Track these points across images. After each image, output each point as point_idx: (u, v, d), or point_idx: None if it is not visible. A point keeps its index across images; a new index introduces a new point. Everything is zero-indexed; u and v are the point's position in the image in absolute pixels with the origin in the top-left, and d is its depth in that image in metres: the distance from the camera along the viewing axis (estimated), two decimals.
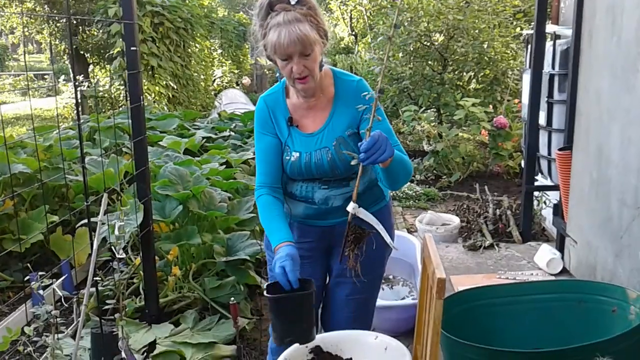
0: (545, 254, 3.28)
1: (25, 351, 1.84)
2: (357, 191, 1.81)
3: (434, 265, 1.57)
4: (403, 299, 3.53)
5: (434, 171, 6.44)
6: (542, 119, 3.91)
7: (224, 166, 4.57)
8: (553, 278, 3.13)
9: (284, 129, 2.01)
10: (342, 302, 2.09)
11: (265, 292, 1.74)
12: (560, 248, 3.32)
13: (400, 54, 7.54)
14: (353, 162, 1.75)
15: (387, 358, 1.79)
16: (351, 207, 1.81)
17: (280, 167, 2.03)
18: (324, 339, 1.91)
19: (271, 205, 1.98)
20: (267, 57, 1.91)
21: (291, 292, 1.74)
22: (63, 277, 2.95)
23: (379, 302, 2.92)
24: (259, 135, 2.05)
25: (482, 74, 7.42)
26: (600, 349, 1.81)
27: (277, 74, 2.00)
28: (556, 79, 3.85)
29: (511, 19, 7.64)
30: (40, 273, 2.05)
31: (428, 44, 7.33)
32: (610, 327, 2.16)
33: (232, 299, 3.02)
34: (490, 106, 7.22)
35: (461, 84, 7.53)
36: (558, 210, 3.43)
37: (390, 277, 3.84)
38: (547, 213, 4.14)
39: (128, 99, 3.05)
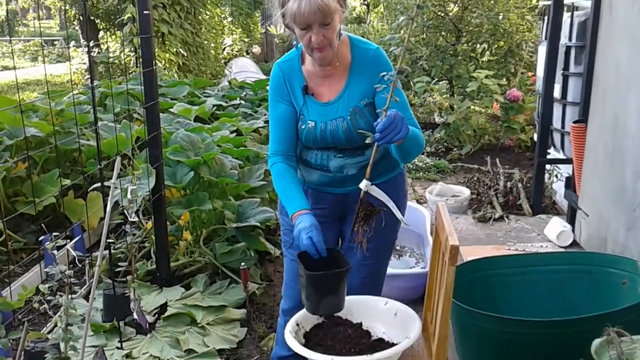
0: (555, 227, 3.27)
1: (41, 308, 1.87)
2: (372, 166, 1.81)
3: (447, 232, 1.57)
4: (411, 268, 3.55)
5: (445, 143, 6.40)
6: (556, 92, 3.86)
7: (235, 134, 4.56)
8: (563, 250, 3.13)
9: (300, 97, 2.00)
10: (354, 267, 2.10)
11: (303, 270, 1.76)
12: (571, 221, 3.31)
13: (414, 25, 7.43)
14: (368, 141, 1.75)
15: (397, 323, 1.80)
16: (364, 184, 1.82)
17: (294, 135, 2.03)
18: None
19: (285, 173, 1.99)
20: (285, 25, 1.89)
21: (330, 268, 1.78)
22: (76, 239, 2.99)
23: (389, 270, 2.94)
24: (274, 102, 2.04)
25: (496, 45, 7.33)
26: (610, 319, 1.81)
27: (295, 41, 1.98)
28: (573, 51, 3.79)
29: None
30: (54, 233, 2.07)
31: (442, 14, 7.22)
32: (620, 299, 2.16)
33: (243, 264, 3.05)
34: (504, 79, 7.14)
35: (475, 55, 7.43)
36: (570, 183, 3.40)
37: (398, 247, 3.86)
38: (558, 186, 4.11)
39: (140, 64, 3.04)
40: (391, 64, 1.97)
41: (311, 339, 1.79)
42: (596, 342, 1.64)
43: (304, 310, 1.87)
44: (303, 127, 1.99)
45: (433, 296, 1.83)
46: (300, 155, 2.09)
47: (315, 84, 2.00)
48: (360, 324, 1.87)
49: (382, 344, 1.77)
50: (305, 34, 1.83)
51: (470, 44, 7.36)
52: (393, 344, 1.74)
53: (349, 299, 1.94)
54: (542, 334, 2.00)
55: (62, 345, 2.04)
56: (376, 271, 2.16)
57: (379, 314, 1.87)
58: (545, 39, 3.89)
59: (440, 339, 1.55)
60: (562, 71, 3.82)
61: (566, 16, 3.78)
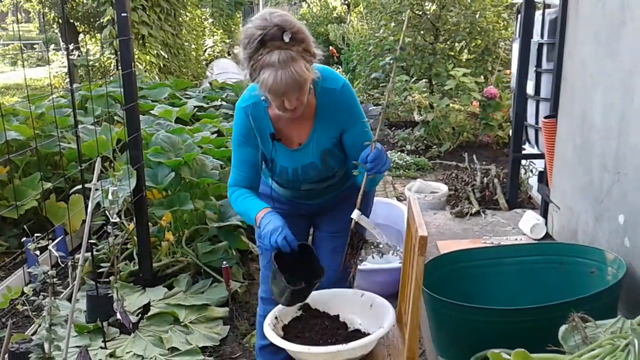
0: (529, 220, 3.35)
1: (23, 309, 1.90)
2: (362, 196, 1.90)
3: (417, 224, 1.64)
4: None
5: (424, 141, 6.49)
6: (530, 89, 3.95)
7: (216, 135, 4.60)
8: (535, 242, 3.20)
9: (268, 143, 1.98)
10: (329, 256, 2.15)
11: (284, 282, 1.80)
12: (544, 214, 3.39)
13: (393, 24, 7.51)
14: (355, 172, 1.86)
15: (373, 313, 1.87)
16: (356, 214, 1.92)
17: (258, 174, 2.04)
18: (313, 297, 1.98)
19: (241, 195, 2.02)
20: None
21: (301, 262, 1.88)
22: (58, 239, 3.01)
23: (367, 265, 3.00)
24: (240, 143, 2.01)
25: (473, 44, 7.43)
26: (577, 306, 1.88)
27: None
28: (545, 48, 3.88)
29: None
30: (36, 234, 2.10)
31: (420, 13, 7.32)
32: (589, 287, 2.24)
33: (225, 263, 3.10)
34: (482, 77, 7.24)
35: (453, 54, 7.53)
36: (543, 177, 3.49)
37: (381, 245, 3.91)
38: (534, 181, 4.21)
39: (119, 66, 3.07)
40: (357, 99, 1.98)
41: (290, 332, 1.84)
42: (562, 328, 1.71)
43: (281, 306, 1.93)
44: (275, 169, 2.02)
45: (406, 287, 1.90)
46: (272, 176, 2.12)
47: (283, 127, 1.98)
48: (338, 316, 1.93)
49: (358, 335, 1.83)
50: (279, 99, 1.78)
51: (448, 43, 7.46)
52: (369, 335, 1.80)
53: (325, 292, 2.00)
54: (513, 321, 2.06)
55: (46, 345, 2.08)
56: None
57: (355, 306, 1.94)
58: (519, 36, 3.98)
59: (412, 328, 1.62)
60: (535, 68, 3.91)
61: (538, 14, 3.87)
